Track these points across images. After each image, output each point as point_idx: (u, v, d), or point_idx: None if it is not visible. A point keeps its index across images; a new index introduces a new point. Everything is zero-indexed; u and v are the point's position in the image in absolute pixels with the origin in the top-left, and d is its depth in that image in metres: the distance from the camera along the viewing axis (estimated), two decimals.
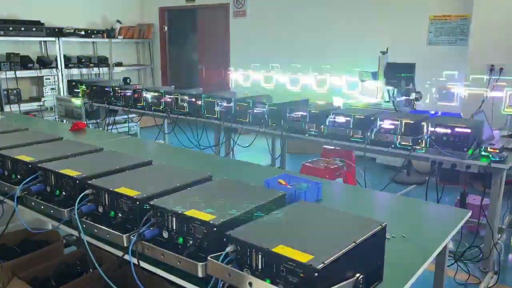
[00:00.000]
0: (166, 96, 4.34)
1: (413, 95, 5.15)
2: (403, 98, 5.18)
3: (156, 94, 4.46)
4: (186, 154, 2.94)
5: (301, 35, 7.03)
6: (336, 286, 1.02)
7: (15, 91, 6.85)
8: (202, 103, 4.06)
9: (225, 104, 3.89)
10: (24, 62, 6.94)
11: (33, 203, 1.73)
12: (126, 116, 5.66)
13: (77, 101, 5.19)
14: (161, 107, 4.38)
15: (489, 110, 4.78)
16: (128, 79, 6.12)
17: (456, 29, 5.61)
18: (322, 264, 0.98)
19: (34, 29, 6.98)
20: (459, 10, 5.56)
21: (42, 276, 2.28)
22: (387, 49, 5.81)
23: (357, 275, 1.08)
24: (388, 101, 5.61)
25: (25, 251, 2.48)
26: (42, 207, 1.70)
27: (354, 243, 1.09)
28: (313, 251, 1.03)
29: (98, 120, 5.41)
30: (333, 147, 4.34)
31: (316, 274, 0.96)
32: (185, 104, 4.20)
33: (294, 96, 4.58)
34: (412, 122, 2.88)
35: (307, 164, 4.33)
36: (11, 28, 6.70)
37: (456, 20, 5.60)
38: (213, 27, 8.52)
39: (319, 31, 6.82)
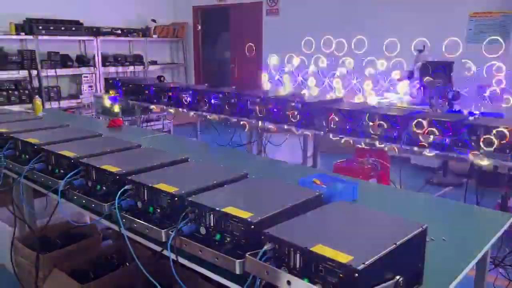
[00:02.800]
0: (200, 94, 4.39)
1: (450, 95, 5.00)
2: (441, 97, 5.04)
3: (189, 92, 4.52)
4: (220, 152, 2.97)
5: (334, 34, 6.94)
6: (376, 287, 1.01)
7: (55, 89, 7.10)
8: (235, 102, 4.08)
9: (257, 102, 3.90)
10: (64, 61, 7.18)
11: (75, 197, 1.79)
12: (160, 114, 5.76)
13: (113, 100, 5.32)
14: (195, 105, 4.43)
15: None
16: (162, 77, 6.22)
17: (498, 26, 5.41)
18: (363, 265, 0.96)
19: (73, 28, 7.20)
20: (500, 7, 5.35)
21: (81, 268, 2.35)
22: (424, 47, 5.66)
23: (397, 277, 1.06)
24: (425, 101, 5.47)
25: (65, 243, 2.57)
26: (84, 201, 1.75)
27: (394, 245, 1.07)
28: (352, 251, 1.02)
29: (133, 117, 5.54)
30: (367, 147, 4.27)
31: (357, 274, 0.95)
32: (218, 103, 4.23)
33: (327, 95, 4.54)
34: (450, 122, 2.79)
35: (340, 163, 4.29)
36: (52, 28, 6.93)
37: (498, 16, 5.39)
38: (246, 25, 8.55)
39: (353, 29, 6.71)
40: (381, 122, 3.11)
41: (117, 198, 1.55)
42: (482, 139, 2.66)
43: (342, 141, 3.41)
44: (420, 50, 5.60)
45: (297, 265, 1.08)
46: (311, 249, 1.05)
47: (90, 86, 7.49)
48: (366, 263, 0.97)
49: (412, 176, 5.18)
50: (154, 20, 8.68)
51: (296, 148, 4.62)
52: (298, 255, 1.07)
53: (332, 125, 3.39)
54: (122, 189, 1.57)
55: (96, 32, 7.61)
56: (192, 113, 4.54)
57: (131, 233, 1.55)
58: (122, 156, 1.98)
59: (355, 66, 6.73)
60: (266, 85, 7.40)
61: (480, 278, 1.69)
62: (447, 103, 4.98)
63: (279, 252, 1.11)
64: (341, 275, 0.98)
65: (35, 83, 6.83)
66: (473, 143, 2.69)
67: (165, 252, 1.37)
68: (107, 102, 5.38)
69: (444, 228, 1.62)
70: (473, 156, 2.70)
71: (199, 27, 9.28)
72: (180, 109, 4.65)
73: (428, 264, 1.22)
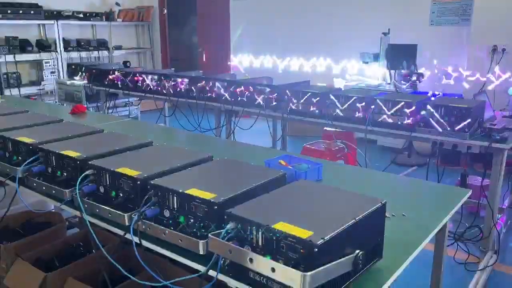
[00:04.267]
0: (166, 79, 4.31)
1: (414, 77, 5.12)
2: (405, 79, 5.16)
3: (156, 77, 4.43)
4: (187, 136, 2.94)
5: (302, 18, 6.95)
6: (336, 262, 1.03)
7: (14, 75, 6.82)
8: (202, 86, 4.03)
9: (225, 86, 3.87)
10: (23, 46, 6.89)
11: (34, 184, 1.74)
12: (126, 100, 5.64)
13: (78, 84, 5.17)
14: (161, 90, 4.36)
15: (491, 91, 4.76)
16: (128, 63, 6.08)
17: (459, 10, 5.54)
18: (322, 240, 0.98)
19: (32, 12, 6.90)
20: None
21: (45, 257, 2.30)
22: (388, 30, 5.75)
23: (357, 251, 1.09)
24: (389, 83, 5.58)
25: (28, 233, 2.50)
26: (44, 187, 1.70)
27: (353, 220, 1.09)
28: (313, 227, 1.04)
29: (98, 104, 5.40)
30: (334, 129, 4.33)
31: (316, 249, 0.97)
32: (185, 87, 4.17)
33: (295, 78, 4.55)
34: (413, 102, 2.86)
35: (308, 146, 4.33)
36: (9, 11, 6.62)
37: (459, 0, 5.52)
38: (213, 9, 8.43)
39: (320, 13, 6.74)
40: (346, 104, 3.14)
41: (78, 183, 1.51)
42: (442, 119, 2.74)
43: (309, 123, 3.44)
44: (385, 33, 5.69)
45: (260, 243, 1.09)
46: (272, 226, 1.06)
47: (52, 72, 7.23)
48: (326, 238, 0.99)
49: (379, 157, 5.31)
50: (118, 4, 8.43)
51: (266, 132, 4.62)
52: (260, 233, 1.08)
53: (299, 108, 3.41)
54: (83, 175, 1.54)
55: (56, 15, 7.32)
56: (159, 98, 4.46)
57: (93, 219, 1.53)
58: (83, 141, 1.93)
59: (322, 50, 6.78)
60: (234, 68, 7.36)
61: (439, 251, 1.75)
62: (411, 84, 5.10)
63: (242, 231, 1.12)
64: (301, 251, 0.99)
65: None
66: (434, 123, 2.77)
67: (128, 236, 1.35)
68: (70, 88, 5.22)
69: (405, 204, 1.67)
70: (433, 136, 2.78)
71: (165, 11, 9.08)
72: (147, 95, 4.56)
73: (389, 239, 1.26)
